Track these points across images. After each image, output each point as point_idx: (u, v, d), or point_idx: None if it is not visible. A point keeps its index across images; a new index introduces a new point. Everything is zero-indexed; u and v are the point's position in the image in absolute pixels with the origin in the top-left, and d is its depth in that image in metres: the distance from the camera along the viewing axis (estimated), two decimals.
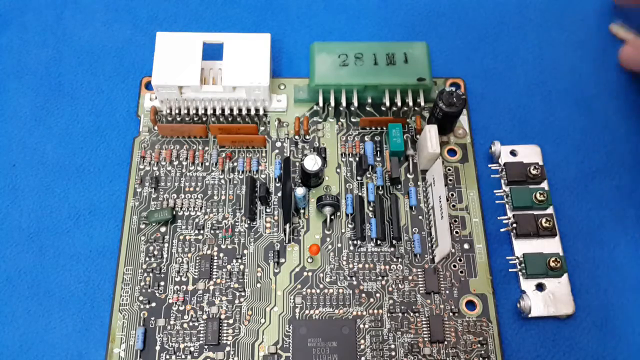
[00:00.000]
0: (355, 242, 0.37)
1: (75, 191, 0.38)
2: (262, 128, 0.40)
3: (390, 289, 0.35)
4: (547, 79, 0.43)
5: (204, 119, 0.40)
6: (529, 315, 0.35)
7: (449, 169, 0.39)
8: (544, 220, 0.36)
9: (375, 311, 0.35)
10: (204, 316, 0.35)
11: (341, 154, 0.39)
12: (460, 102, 0.36)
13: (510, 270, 0.36)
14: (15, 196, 0.38)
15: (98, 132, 0.40)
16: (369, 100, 0.40)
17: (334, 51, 0.39)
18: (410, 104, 0.39)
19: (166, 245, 0.36)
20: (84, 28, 0.44)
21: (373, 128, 0.40)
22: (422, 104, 0.39)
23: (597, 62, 0.43)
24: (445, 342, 0.34)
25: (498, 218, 0.37)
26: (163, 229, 0.37)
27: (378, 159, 0.39)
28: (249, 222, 0.37)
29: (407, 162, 0.39)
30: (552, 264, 0.35)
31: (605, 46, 0.44)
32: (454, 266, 0.36)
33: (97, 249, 0.37)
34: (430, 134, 0.36)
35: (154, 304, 0.35)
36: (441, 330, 0.34)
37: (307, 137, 0.40)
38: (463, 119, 0.40)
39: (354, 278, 0.36)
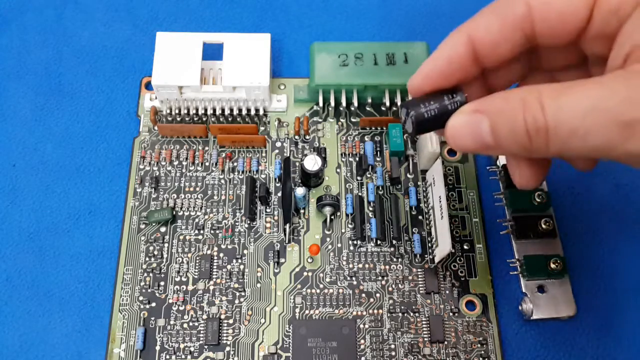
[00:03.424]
0: (355, 242, 0.37)
1: (75, 191, 0.38)
2: (262, 128, 0.40)
3: (390, 289, 0.35)
4: None
5: (204, 119, 0.40)
6: (531, 318, 0.35)
7: (449, 169, 0.39)
8: (543, 222, 0.36)
9: (375, 311, 0.35)
10: (204, 316, 0.35)
11: (341, 154, 0.39)
12: None
13: (511, 273, 0.36)
14: (15, 196, 0.38)
15: (98, 132, 0.40)
16: (369, 100, 0.40)
17: (334, 51, 0.39)
18: None
19: (166, 245, 0.36)
20: (84, 28, 0.44)
21: (373, 128, 0.40)
22: None
23: None
24: (445, 342, 0.34)
25: (498, 221, 0.37)
26: (163, 229, 0.37)
27: (378, 159, 0.39)
28: (249, 222, 0.37)
29: (407, 162, 0.39)
30: (552, 266, 0.35)
31: None
32: (454, 266, 0.36)
33: (97, 249, 0.37)
34: (430, 134, 0.36)
35: (154, 304, 0.35)
36: (441, 330, 0.34)
37: (307, 137, 0.40)
38: None
39: (354, 278, 0.36)
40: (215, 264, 0.36)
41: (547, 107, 0.23)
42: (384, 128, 0.40)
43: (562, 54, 0.27)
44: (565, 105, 0.22)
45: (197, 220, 0.37)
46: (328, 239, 0.37)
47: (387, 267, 0.36)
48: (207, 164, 0.39)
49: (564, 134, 0.22)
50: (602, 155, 0.23)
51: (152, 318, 0.34)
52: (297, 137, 0.40)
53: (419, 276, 0.36)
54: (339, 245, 0.37)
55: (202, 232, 0.37)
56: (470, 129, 0.25)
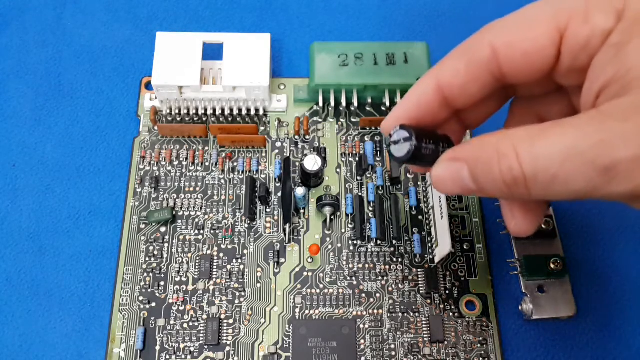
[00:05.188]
0: (355, 242, 0.37)
1: (75, 191, 0.38)
2: (262, 128, 0.40)
3: (390, 289, 0.35)
4: None
5: (204, 119, 0.40)
6: (531, 318, 0.35)
7: None
8: (543, 222, 0.36)
9: (375, 311, 0.35)
10: (204, 316, 0.35)
11: (341, 154, 0.39)
12: None
13: (511, 273, 0.36)
14: (15, 196, 0.38)
15: (98, 132, 0.40)
16: (369, 100, 0.40)
17: (334, 51, 0.39)
18: None
19: (166, 245, 0.36)
20: (84, 28, 0.44)
21: (373, 128, 0.40)
22: None
23: None
24: (445, 342, 0.34)
25: (498, 221, 0.37)
26: (163, 229, 0.37)
27: (378, 159, 0.39)
28: (249, 222, 0.37)
29: None
30: (552, 266, 0.35)
31: None
32: (454, 266, 0.36)
33: (97, 249, 0.37)
34: None
35: (154, 304, 0.35)
36: (441, 330, 0.34)
37: (307, 137, 0.40)
38: None
39: (354, 278, 0.36)
40: (215, 264, 0.36)
41: (522, 155, 0.22)
42: None
43: (538, 86, 0.27)
44: (541, 152, 0.22)
45: (197, 220, 0.37)
46: (328, 239, 0.37)
47: (387, 267, 0.36)
48: (207, 164, 0.39)
49: (544, 181, 0.22)
50: (588, 197, 0.22)
51: (152, 318, 0.34)
52: (297, 137, 0.40)
53: (419, 276, 0.36)
54: (339, 245, 0.37)
55: (202, 232, 0.37)
56: (451, 176, 0.25)
